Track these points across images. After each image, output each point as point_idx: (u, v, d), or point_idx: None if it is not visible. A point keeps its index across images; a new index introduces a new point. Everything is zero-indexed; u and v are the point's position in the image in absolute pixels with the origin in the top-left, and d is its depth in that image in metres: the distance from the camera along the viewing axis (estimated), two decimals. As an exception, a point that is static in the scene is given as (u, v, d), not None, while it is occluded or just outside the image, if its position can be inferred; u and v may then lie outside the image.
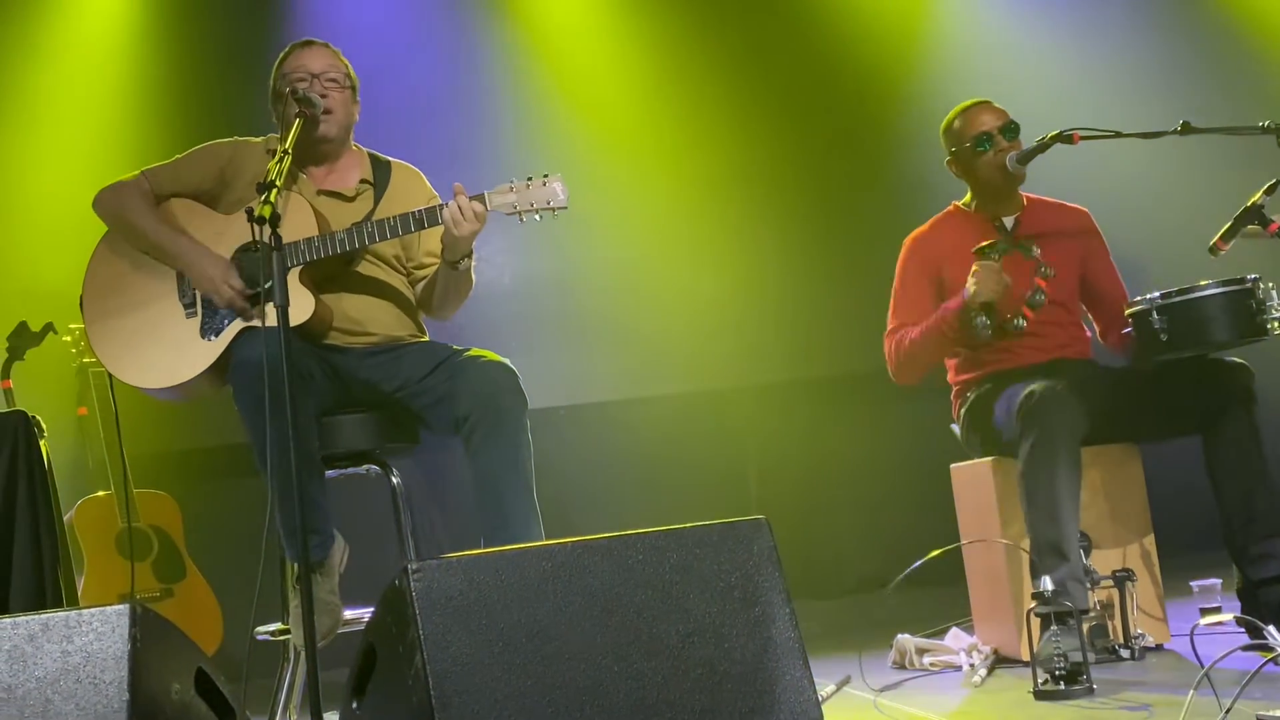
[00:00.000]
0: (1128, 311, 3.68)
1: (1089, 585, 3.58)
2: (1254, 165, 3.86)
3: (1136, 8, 6.30)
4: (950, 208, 4.09)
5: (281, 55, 3.62)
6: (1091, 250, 4.04)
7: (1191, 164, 5.44)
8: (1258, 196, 3.55)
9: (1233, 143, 3.90)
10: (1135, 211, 5.26)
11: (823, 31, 6.29)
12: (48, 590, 3.18)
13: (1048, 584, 3.34)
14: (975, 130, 3.93)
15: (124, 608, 2.32)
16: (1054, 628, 3.28)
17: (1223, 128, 3.77)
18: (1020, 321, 3.80)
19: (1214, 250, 3.56)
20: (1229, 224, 3.55)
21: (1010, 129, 3.92)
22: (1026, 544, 3.58)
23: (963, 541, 3.99)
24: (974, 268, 3.71)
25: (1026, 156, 3.85)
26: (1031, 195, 4.06)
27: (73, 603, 3.31)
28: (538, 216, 3.39)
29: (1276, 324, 3.45)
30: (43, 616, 2.34)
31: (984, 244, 3.75)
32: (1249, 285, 3.50)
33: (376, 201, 3.58)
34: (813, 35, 6.29)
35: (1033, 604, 3.40)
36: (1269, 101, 5.65)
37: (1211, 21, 6.28)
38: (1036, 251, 3.83)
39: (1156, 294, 3.58)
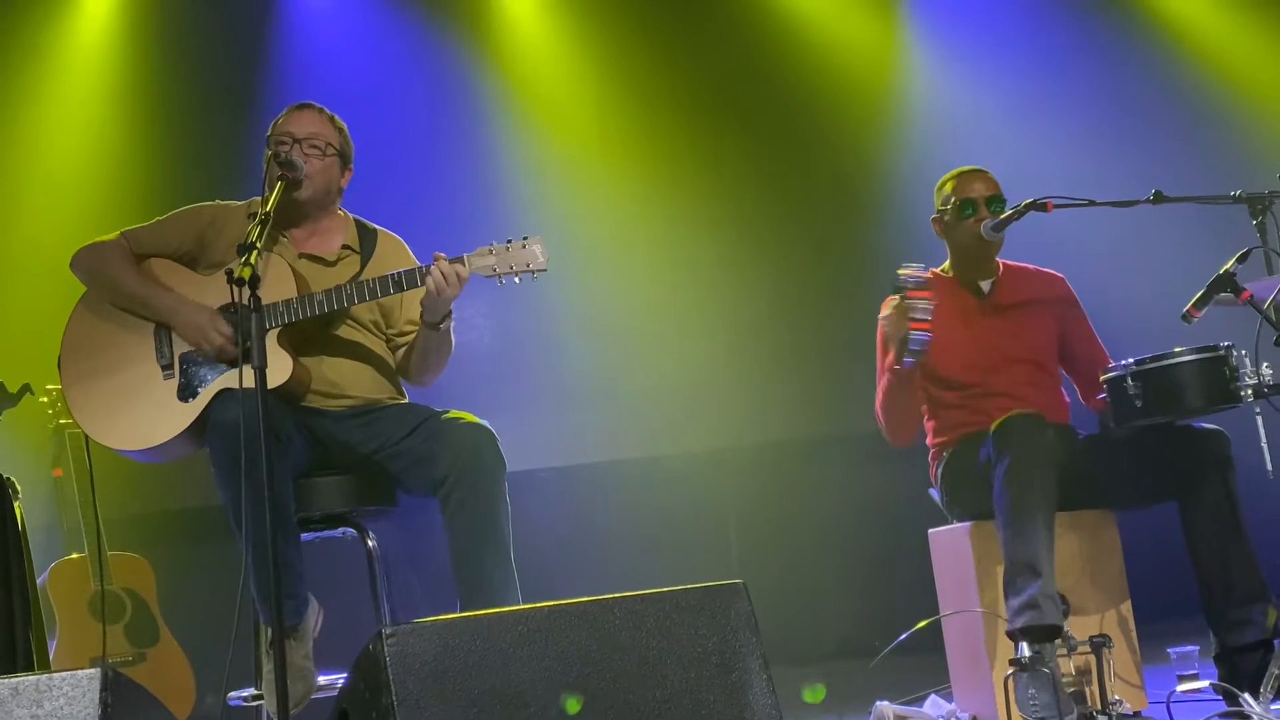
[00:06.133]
0: (1103, 378, 3.70)
1: (1067, 650, 3.58)
2: (1226, 234, 3.90)
3: (1110, 75, 6.38)
4: (928, 273, 4.11)
5: (277, 118, 3.64)
6: (1068, 316, 4.08)
7: (1164, 232, 5.49)
8: (1230, 265, 3.57)
9: (1205, 211, 3.95)
10: (1109, 278, 5.30)
11: (807, 97, 6.35)
12: (19, 653, 3.15)
13: (1025, 651, 3.33)
14: (963, 196, 3.98)
15: (95, 672, 2.30)
16: (1027, 676, 3.27)
17: (1195, 197, 3.81)
18: (915, 353, 3.73)
19: (1187, 318, 3.59)
20: (1202, 292, 3.57)
21: (996, 201, 3.97)
22: (1005, 612, 3.57)
23: (942, 609, 3.98)
24: (880, 316, 3.74)
25: (1001, 224, 3.90)
26: (1008, 262, 4.10)
27: (44, 666, 3.27)
28: (517, 279, 3.40)
29: (1250, 391, 3.47)
30: (13, 680, 2.31)
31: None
32: (1222, 352, 3.52)
33: (361, 268, 3.59)
34: (796, 101, 6.36)
35: (1011, 670, 3.39)
36: (1241, 171, 5.71)
37: (1185, 90, 6.36)
38: (900, 275, 3.80)
39: (1131, 360, 3.60)
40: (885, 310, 3.75)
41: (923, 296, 3.68)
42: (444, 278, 3.34)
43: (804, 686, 3.55)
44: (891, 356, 3.75)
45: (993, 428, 3.65)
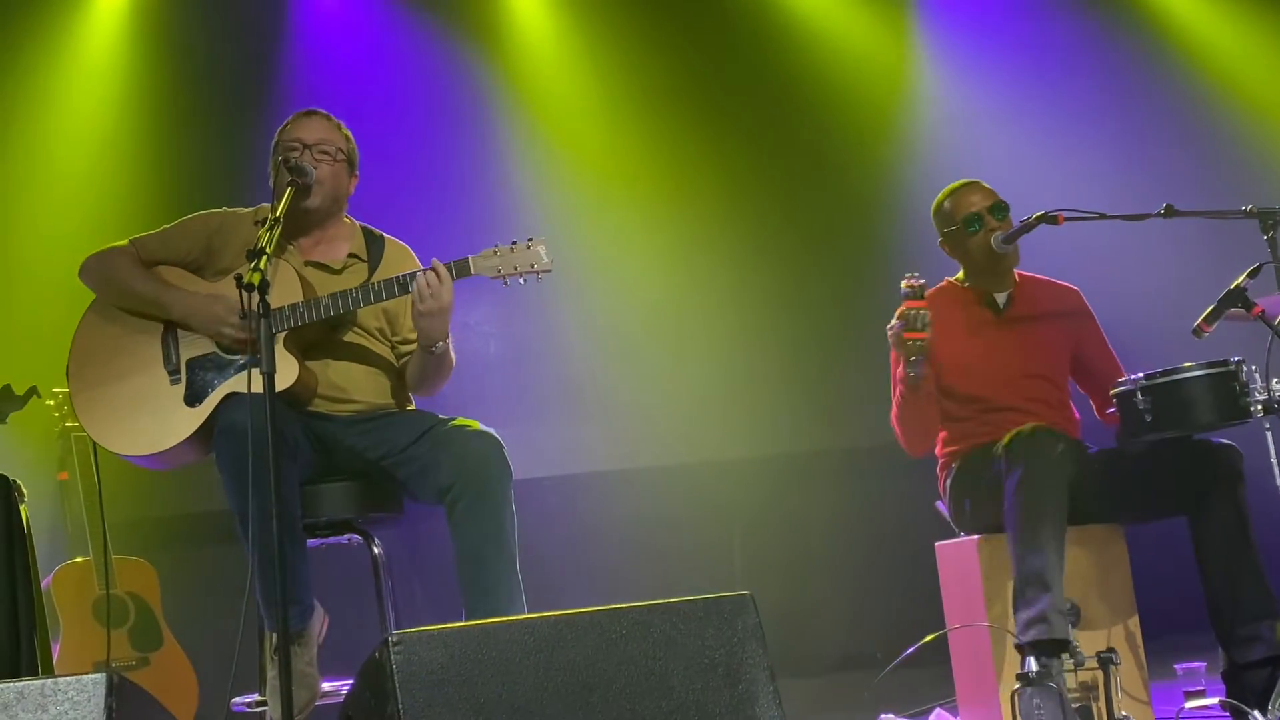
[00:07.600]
0: (1113, 392, 3.69)
1: (1074, 666, 3.56)
2: (1237, 248, 3.88)
3: (1122, 87, 6.38)
4: (943, 283, 4.11)
5: (283, 124, 3.64)
6: (1084, 330, 4.06)
7: (1175, 246, 5.48)
8: (1241, 280, 3.57)
9: (1216, 226, 3.94)
10: (1119, 292, 5.28)
11: (817, 104, 6.35)
12: (23, 657, 3.14)
13: (1032, 665, 3.32)
14: (964, 211, 3.96)
15: (100, 676, 2.30)
16: (1033, 691, 3.27)
17: (1206, 211, 3.80)
18: (914, 363, 3.72)
19: (1198, 332, 3.58)
20: (1212, 306, 3.56)
21: (999, 208, 3.95)
22: (1013, 626, 3.56)
23: (948, 623, 3.96)
24: (888, 327, 3.75)
25: (1012, 236, 3.89)
26: (1024, 273, 4.09)
27: (48, 670, 3.26)
28: (522, 280, 3.40)
29: (1260, 406, 3.46)
30: (18, 684, 2.31)
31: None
32: (1232, 367, 3.51)
33: (368, 276, 3.58)
34: (805, 109, 6.36)
35: (1017, 685, 3.37)
36: (1252, 185, 5.71)
37: (1197, 105, 6.36)
38: (903, 286, 3.80)
39: (1141, 375, 3.59)
40: (893, 321, 3.75)
41: (919, 307, 3.67)
42: (437, 276, 3.33)
43: None
44: (901, 368, 3.76)
45: (1004, 440, 3.64)
